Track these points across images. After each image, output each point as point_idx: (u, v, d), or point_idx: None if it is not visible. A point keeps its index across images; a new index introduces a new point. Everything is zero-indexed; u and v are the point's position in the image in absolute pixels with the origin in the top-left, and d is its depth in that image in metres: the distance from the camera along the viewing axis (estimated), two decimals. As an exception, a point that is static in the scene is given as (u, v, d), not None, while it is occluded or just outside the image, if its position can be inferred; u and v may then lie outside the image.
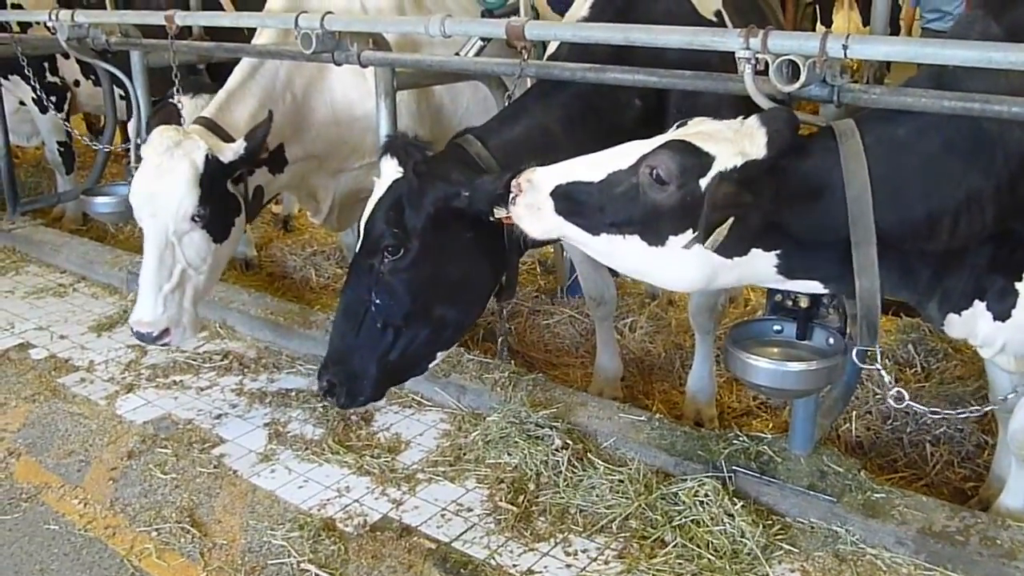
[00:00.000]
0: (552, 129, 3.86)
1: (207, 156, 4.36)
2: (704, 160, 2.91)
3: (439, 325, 3.77)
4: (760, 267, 3.08)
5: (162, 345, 4.57)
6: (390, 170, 3.65)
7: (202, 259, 4.50)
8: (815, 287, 3.22)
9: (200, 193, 4.35)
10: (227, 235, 4.58)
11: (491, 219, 3.40)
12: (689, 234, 2.93)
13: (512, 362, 5.08)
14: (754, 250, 3.02)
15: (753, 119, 2.98)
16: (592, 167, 3.12)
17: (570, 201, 3.11)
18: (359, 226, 3.75)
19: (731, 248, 2.98)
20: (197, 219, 4.38)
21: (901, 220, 2.96)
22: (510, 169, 3.57)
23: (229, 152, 4.43)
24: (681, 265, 3.05)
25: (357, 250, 3.72)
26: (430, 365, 3.96)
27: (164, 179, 4.34)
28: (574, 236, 3.18)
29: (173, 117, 4.89)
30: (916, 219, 2.97)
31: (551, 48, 4.34)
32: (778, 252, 3.04)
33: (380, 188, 3.66)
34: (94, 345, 5.78)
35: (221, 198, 4.49)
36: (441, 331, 3.82)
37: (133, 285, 5.60)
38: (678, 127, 3.11)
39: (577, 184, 3.10)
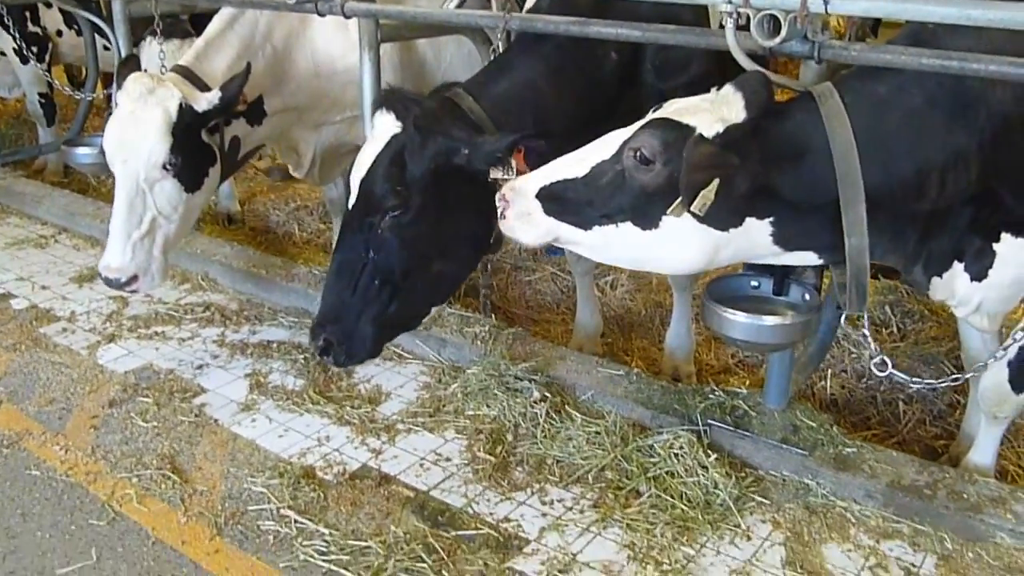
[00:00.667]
0: (537, 82, 3.87)
1: (181, 104, 4.33)
2: (685, 132, 2.90)
3: (436, 280, 3.78)
4: (756, 237, 3.09)
5: (130, 291, 4.57)
6: (387, 124, 3.56)
7: (173, 208, 4.48)
8: (810, 258, 3.24)
9: (172, 141, 4.32)
10: (200, 185, 4.56)
11: (488, 179, 3.41)
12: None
13: (493, 317, 5.11)
14: (748, 219, 3.04)
15: (727, 86, 2.99)
16: (575, 163, 3.13)
17: (558, 200, 3.11)
18: (347, 181, 3.72)
19: (725, 219, 3.00)
20: (168, 167, 4.36)
21: (889, 177, 2.99)
22: (500, 124, 3.61)
23: (203, 101, 4.40)
24: (679, 245, 3.06)
25: (350, 207, 3.65)
26: (424, 319, 3.98)
27: (137, 126, 4.32)
28: (568, 236, 3.18)
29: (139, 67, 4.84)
30: (905, 176, 3.00)
31: (530, 2, 4.33)
32: (772, 220, 3.06)
33: (376, 143, 3.58)
34: (76, 296, 5.77)
35: (194, 147, 4.46)
36: (438, 286, 3.84)
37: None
38: (654, 111, 3.10)
39: (562, 182, 3.11)
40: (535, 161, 3.32)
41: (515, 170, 3.44)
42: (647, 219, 3.02)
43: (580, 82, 3.90)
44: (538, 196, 3.13)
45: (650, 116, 3.09)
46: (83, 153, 6.09)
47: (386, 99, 3.65)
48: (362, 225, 3.58)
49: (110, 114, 4.59)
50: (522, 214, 3.17)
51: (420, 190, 3.52)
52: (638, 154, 2.95)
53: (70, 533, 3.61)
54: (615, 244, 3.11)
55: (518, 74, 3.90)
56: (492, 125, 3.67)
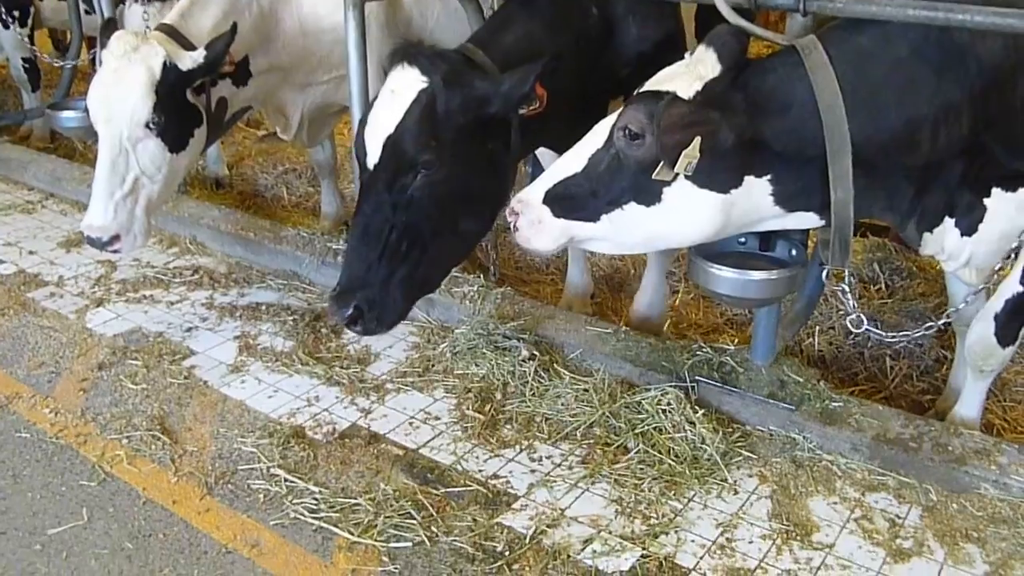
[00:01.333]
0: (536, 34, 3.85)
1: (165, 63, 4.28)
2: (670, 96, 2.92)
3: (463, 237, 3.75)
4: (758, 198, 3.10)
5: (112, 251, 4.52)
6: (410, 79, 3.44)
7: (156, 168, 4.43)
8: (812, 219, 3.25)
9: (155, 100, 4.27)
10: (184, 145, 4.50)
11: (521, 112, 3.45)
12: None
13: (498, 274, 5.09)
14: (747, 178, 3.05)
15: (700, 46, 3.00)
16: (571, 160, 3.17)
17: (564, 199, 3.16)
18: (357, 143, 3.60)
19: (724, 179, 3.02)
20: (152, 126, 4.31)
21: (879, 129, 2.99)
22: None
23: (188, 60, 4.34)
24: (686, 214, 3.08)
25: (372, 167, 3.50)
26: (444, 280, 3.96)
27: (120, 84, 4.28)
28: (580, 233, 3.23)
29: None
30: (894, 128, 3.00)
31: None
32: (770, 177, 3.07)
33: (399, 98, 3.44)
34: (63, 261, 5.76)
35: (179, 107, 4.40)
36: (464, 244, 3.81)
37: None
38: (636, 92, 3.11)
39: (564, 182, 3.16)
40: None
41: (540, 101, 3.49)
42: (649, 194, 3.06)
43: (570, 35, 3.88)
44: (544, 202, 3.19)
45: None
46: (68, 117, 6.03)
47: (407, 54, 3.50)
48: (391, 185, 3.45)
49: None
50: (533, 222, 3.23)
51: (452, 145, 3.45)
52: (627, 131, 2.99)
53: (61, 494, 3.62)
54: (625, 228, 3.16)
55: (519, 27, 3.88)
56: (499, 74, 3.62)
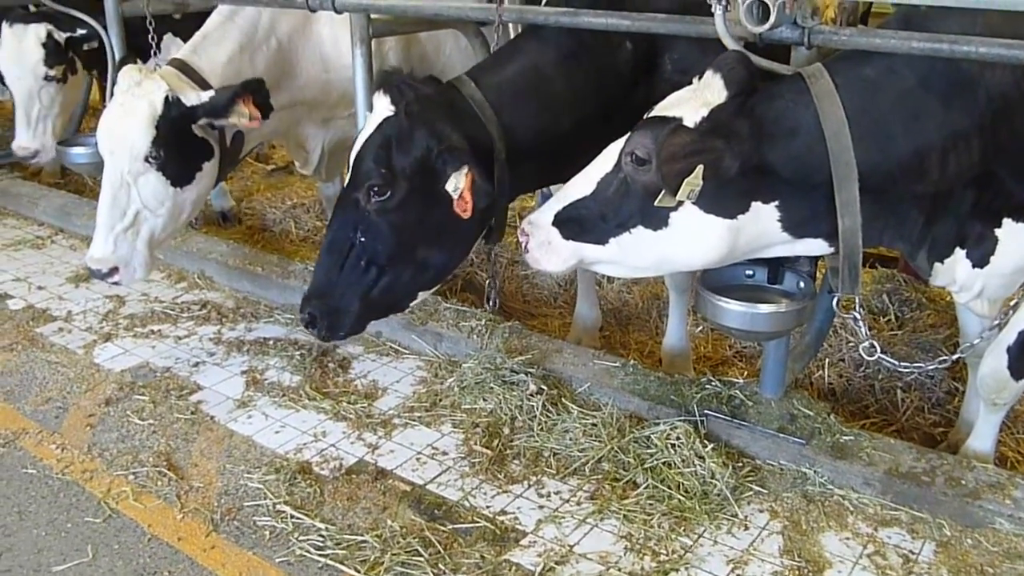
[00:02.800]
0: (543, 68, 3.83)
1: (167, 98, 4.32)
2: (673, 125, 2.94)
3: (422, 267, 3.78)
4: (765, 224, 3.10)
5: (112, 283, 4.56)
6: (382, 106, 3.59)
7: (159, 202, 4.46)
8: (821, 246, 3.23)
9: (155, 134, 4.30)
10: (189, 180, 4.52)
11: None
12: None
13: (499, 304, 5.07)
14: (754, 204, 3.05)
15: (707, 71, 3.01)
16: (581, 183, 3.20)
17: (573, 222, 3.20)
18: (347, 166, 3.74)
19: (731, 205, 3.03)
20: (151, 160, 4.34)
21: (886, 157, 2.99)
22: (501, 109, 3.64)
23: (193, 96, 4.38)
24: (693, 238, 3.09)
25: (345, 184, 3.71)
26: (411, 303, 3.99)
27: (123, 118, 4.33)
28: (589, 256, 3.26)
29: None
30: (902, 156, 3.00)
31: None
32: (777, 204, 3.07)
33: (371, 124, 3.63)
34: (72, 296, 5.77)
35: (182, 141, 4.41)
36: (423, 272, 3.82)
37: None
38: (645, 116, 3.13)
39: (573, 204, 3.19)
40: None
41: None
42: (656, 219, 3.08)
43: (592, 69, 3.86)
44: (554, 224, 3.22)
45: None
46: (79, 153, 6.08)
47: (383, 81, 3.64)
48: (354, 205, 3.61)
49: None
50: (543, 244, 3.27)
51: (406, 177, 3.52)
52: (634, 156, 3.02)
53: (66, 531, 3.60)
54: (633, 251, 3.18)
55: (525, 60, 3.87)
56: (492, 111, 3.67)
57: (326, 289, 3.74)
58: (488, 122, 3.65)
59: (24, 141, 6.32)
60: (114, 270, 4.45)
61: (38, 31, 6.10)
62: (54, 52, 6.12)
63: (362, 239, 3.63)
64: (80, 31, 6.13)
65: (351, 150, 3.71)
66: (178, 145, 4.40)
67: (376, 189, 3.53)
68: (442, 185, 3.53)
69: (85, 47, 6.23)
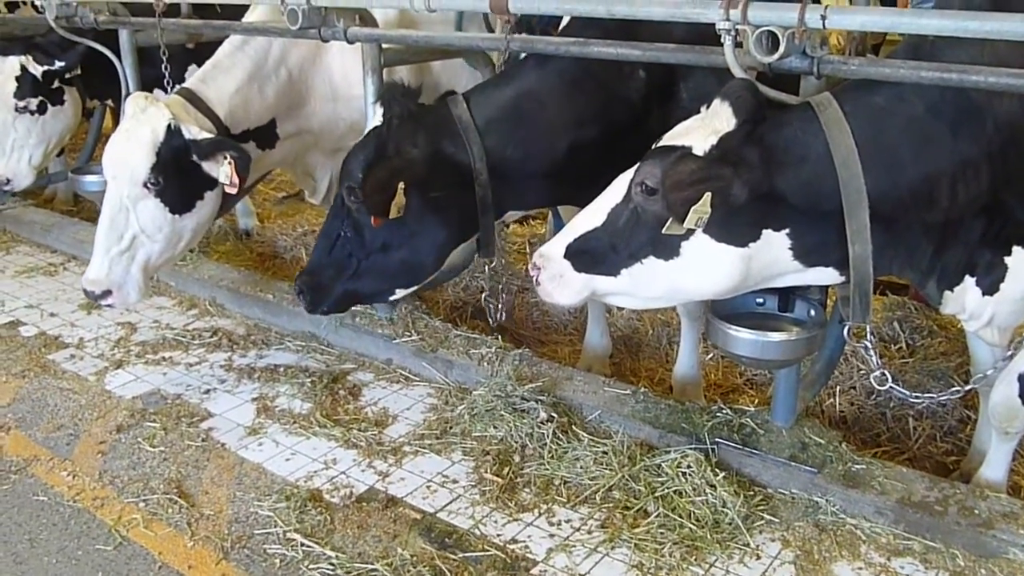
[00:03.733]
0: (539, 94, 3.91)
1: (169, 126, 4.36)
2: (682, 153, 2.96)
3: (397, 266, 4.02)
4: (777, 252, 3.10)
5: (105, 305, 4.62)
6: (377, 116, 3.84)
7: (156, 228, 4.49)
8: (832, 275, 3.23)
9: (155, 161, 4.34)
10: (190, 207, 4.55)
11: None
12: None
13: (503, 319, 5.06)
14: (765, 232, 3.06)
15: (716, 99, 3.03)
16: (591, 215, 3.21)
17: (585, 254, 3.21)
18: None
19: (742, 233, 3.03)
20: (150, 186, 4.38)
21: (897, 184, 3.00)
22: (488, 131, 3.81)
23: (194, 130, 4.41)
24: (704, 268, 3.09)
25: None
26: (391, 299, 4.34)
27: (126, 143, 4.38)
28: (601, 287, 3.27)
29: None
30: (913, 183, 3.00)
31: (564, 22, 4.32)
32: (788, 232, 3.07)
33: (366, 131, 3.90)
34: (84, 323, 5.79)
35: (182, 170, 4.43)
36: (399, 271, 4.06)
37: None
38: (655, 145, 3.15)
39: (584, 237, 3.20)
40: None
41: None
42: (667, 249, 3.08)
43: (596, 96, 3.92)
44: (566, 256, 3.23)
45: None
46: (91, 181, 6.11)
47: (384, 93, 3.94)
48: (342, 202, 3.90)
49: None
50: (555, 277, 3.27)
51: (378, 183, 3.68)
52: (643, 186, 3.03)
53: (77, 558, 3.60)
54: (644, 282, 3.18)
55: (522, 84, 3.95)
56: (476, 132, 3.81)
57: (316, 269, 4.11)
58: (470, 142, 3.81)
59: None
60: (107, 293, 4.49)
61: (13, 64, 6.18)
62: (29, 84, 6.17)
63: (345, 231, 3.96)
64: (59, 63, 6.19)
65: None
66: (178, 173, 4.42)
67: (350, 191, 3.76)
68: (418, 194, 3.77)
69: (68, 76, 6.29)
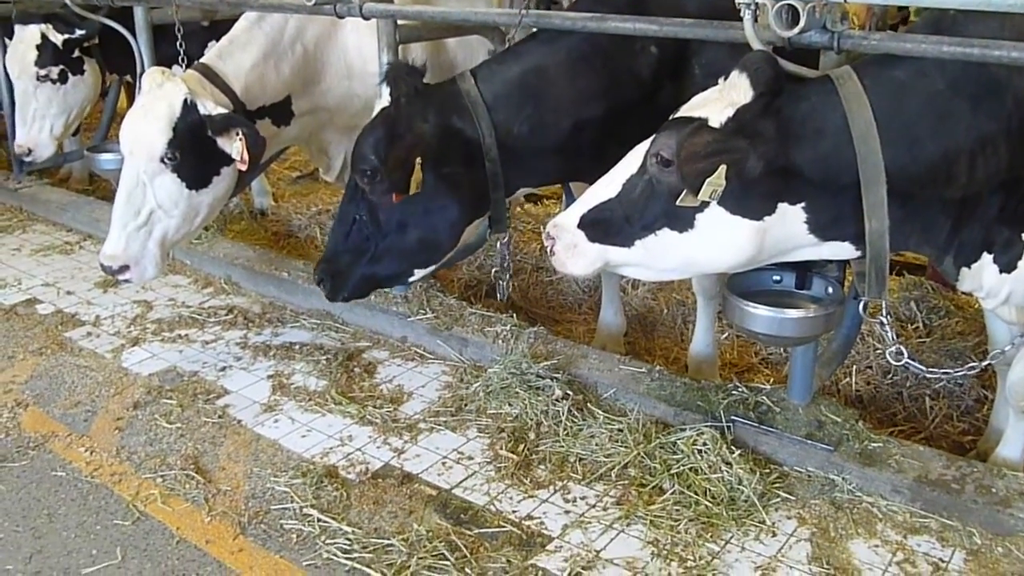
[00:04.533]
0: (547, 69, 3.91)
1: (185, 101, 4.35)
2: (699, 125, 2.93)
3: (414, 245, 4.02)
4: (792, 225, 3.08)
5: (123, 280, 4.61)
6: (385, 97, 3.83)
7: (173, 203, 4.48)
8: (848, 249, 3.20)
9: (172, 136, 4.33)
10: (206, 183, 4.54)
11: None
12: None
13: (510, 295, 5.06)
14: (780, 205, 3.03)
15: (733, 71, 3.00)
16: (606, 186, 3.20)
17: (599, 224, 3.20)
18: None
19: (757, 206, 3.01)
20: (167, 161, 4.37)
21: (915, 160, 2.97)
22: (496, 107, 3.82)
23: (209, 105, 4.40)
24: (719, 240, 3.08)
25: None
26: (410, 280, 4.33)
27: (143, 118, 4.37)
28: (614, 258, 3.25)
29: None
30: (931, 159, 2.97)
31: None
32: (804, 205, 3.05)
33: (375, 112, 3.89)
34: (100, 301, 5.82)
35: (199, 145, 4.42)
36: (417, 250, 4.07)
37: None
38: (671, 117, 3.13)
39: (599, 207, 3.19)
40: None
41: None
42: (682, 221, 3.06)
43: (609, 72, 3.91)
44: (580, 226, 3.22)
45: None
46: (107, 159, 6.13)
47: (389, 71, 3.88)
48: (354, 186, 3.91)
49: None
50: (569, 247, 3.26)
51: (395, 163, 3.69)
52: (659, 157, 3.01)
53: (95, 533, 3.63)
54: (659, 254, 3.16)
55: (529, 60, 3.95)
56: (484, 108, 3.83)
57: (333, 256, 4.10)
58: (479, 118, 3.82)
59: (19, 139, 6.54)
60: (124, 268, 4.49)
61: (33, 32, 6.24)
62: (50, 53, 6.20)
63: (360, 216, 3.96)
64: (79, 31, 6.20)
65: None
66: (194, 148, 4.41)
67: (368, 174, 3.76)
68: (429, 172, 3.79)
69: (87, 45, 6.30)
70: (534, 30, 4.09)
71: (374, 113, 3.90)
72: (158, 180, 4.42)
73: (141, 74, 5.74)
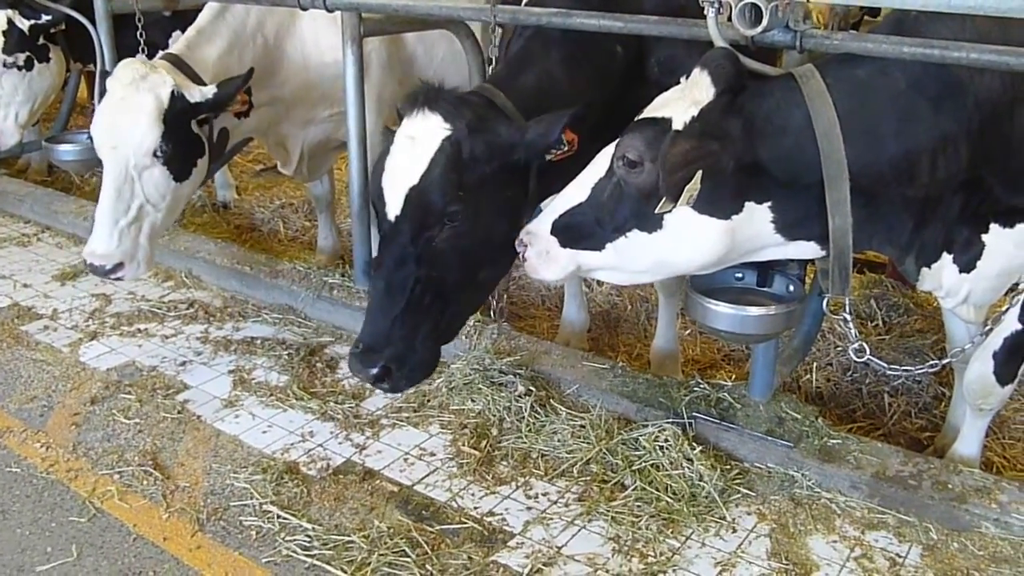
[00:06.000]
0: (553, 72, 3.80)
1: (173, 92, 4.31)
2: (664, 125, 2.94)
3: (482, 286, 3.68)
4: (759, 225, 3.09)
5: (115, 279, 4.53)
6: (432, 126, 3.30)
7: (161, 196, 4.44)
8: (813, 249, 3.22)
9: (163, 129, 4.29)
10: (188, 175, 4.52)
11: (548, 158, 3.39)
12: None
13: (506, 313, 5.06)
14: (747, 204, 3.04)
15: (695, 69, 3.00)
16: (575, 190, 3.18)
17: (570, 230, 3.18)
18: (374, 190, 3.47)
19: (725, 205, 3.01)
20: (159, 155, 4.33)
21: (877, 158, 2.99)
22: (528, 115, 3.49)
23: (196, 93, 4.37)
24: (688, 240, 3.07)
25: (393, 220, 3.34)
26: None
27: (128, 112, 4.29)
28: (587, 262, 3.24)
29: None
30: (893, 157, 3.00)
31: None
32: (770, 204, 3.06)
33: (420, 147, 3.30)
34: (58, 294, 5.73)
35: (184, 137, 4.41)
36: (483, 291, 3.77)
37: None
38: (636, 119, 3.11)
39: (569, 212, 3.17)
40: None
41: (570, 145, 3.37)
42: (651, 221, 3.05)
43: (590, 73, 3.85)
44: (552, 232, 3.20)
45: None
46: (66, 150, 6.04)
47: (428, 98, 3.35)
48: (415, 237, 3.31)
49: (93, 112, 4.55)
50: (541, 253, 3.24)
51: (476, 194, 3.33)
52: (625, 159, 2.99)
53: (50, 530, 3.57)
54: (630, 256, 3.15)
55: (538, 66, 3.82)
56: (521, 117, 3.50)
57: (390, 336, 3.36)
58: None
59: None
60: (119, 265, 4.42)
61: None
62: (15, 39, 6.06)
63: (428, 272, 3.34)
64: (45, 17, 6.09)
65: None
66: (181, 140, 4.40)
67: (451, 214, 3.29)
68: (501, 195, 3.42)
69: (53, 31, 6.17)
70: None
71: (406, 143, 3.35)
72: (147, 174, 4.38)
73: (101, 63, 5.71)
